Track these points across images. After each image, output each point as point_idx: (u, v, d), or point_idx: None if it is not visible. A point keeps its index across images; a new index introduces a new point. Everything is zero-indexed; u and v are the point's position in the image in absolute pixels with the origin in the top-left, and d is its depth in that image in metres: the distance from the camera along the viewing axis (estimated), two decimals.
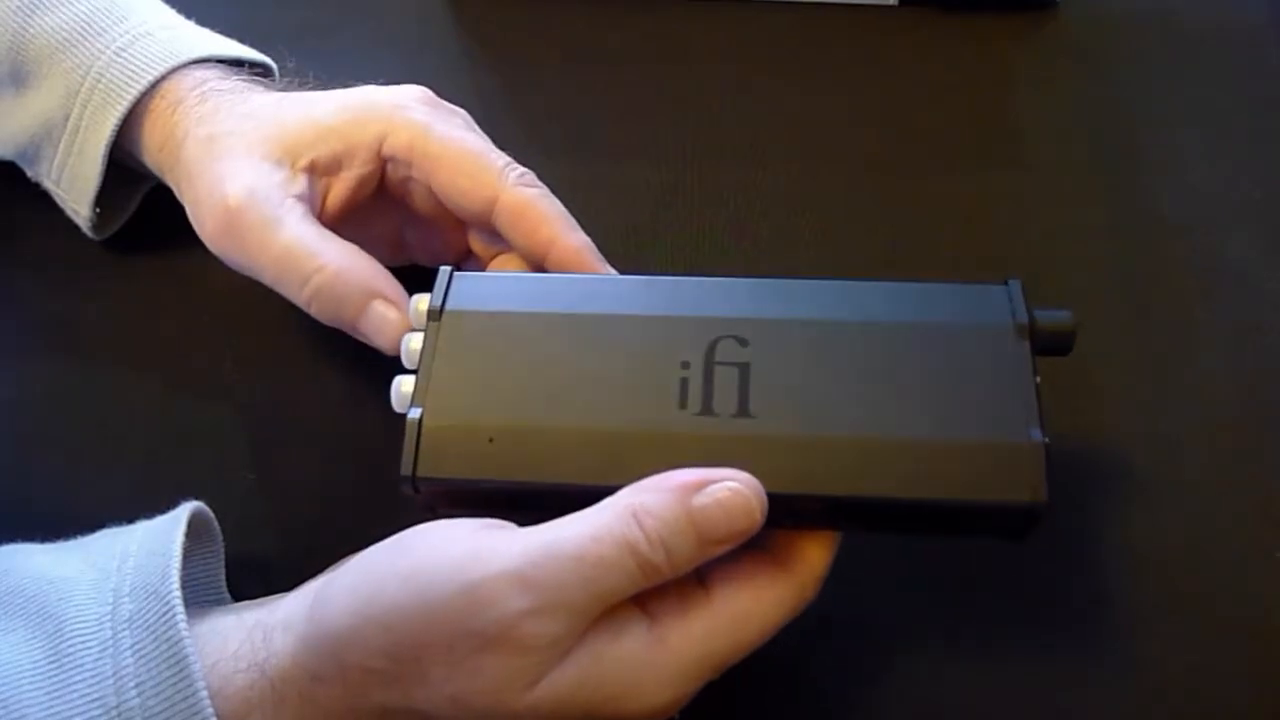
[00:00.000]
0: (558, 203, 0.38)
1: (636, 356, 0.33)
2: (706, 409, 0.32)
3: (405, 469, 0.32)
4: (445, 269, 0.35)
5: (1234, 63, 0.49)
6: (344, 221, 0.39)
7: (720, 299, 0.34)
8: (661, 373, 0.32)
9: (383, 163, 0.39)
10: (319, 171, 0.39)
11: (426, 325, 0.34)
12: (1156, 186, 0.46)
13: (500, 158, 0.38)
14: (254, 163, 0.38)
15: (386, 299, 0.36)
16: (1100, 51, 0.50)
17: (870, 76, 0.50)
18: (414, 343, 0.34)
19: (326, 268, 0.36)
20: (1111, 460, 0.39)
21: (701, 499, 0.29)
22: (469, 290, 0.35)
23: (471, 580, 0.28)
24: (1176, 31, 0.50)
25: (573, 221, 0.38)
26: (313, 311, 0.37)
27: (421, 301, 0.35)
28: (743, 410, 0.31)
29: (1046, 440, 0.30)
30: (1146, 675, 0.35)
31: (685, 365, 0.32)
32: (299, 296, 0.37)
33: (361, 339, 0.37)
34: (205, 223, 0.39)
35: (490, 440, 0.32)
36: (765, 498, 0.29)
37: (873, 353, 0.32)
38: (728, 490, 0.29)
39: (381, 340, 0.36)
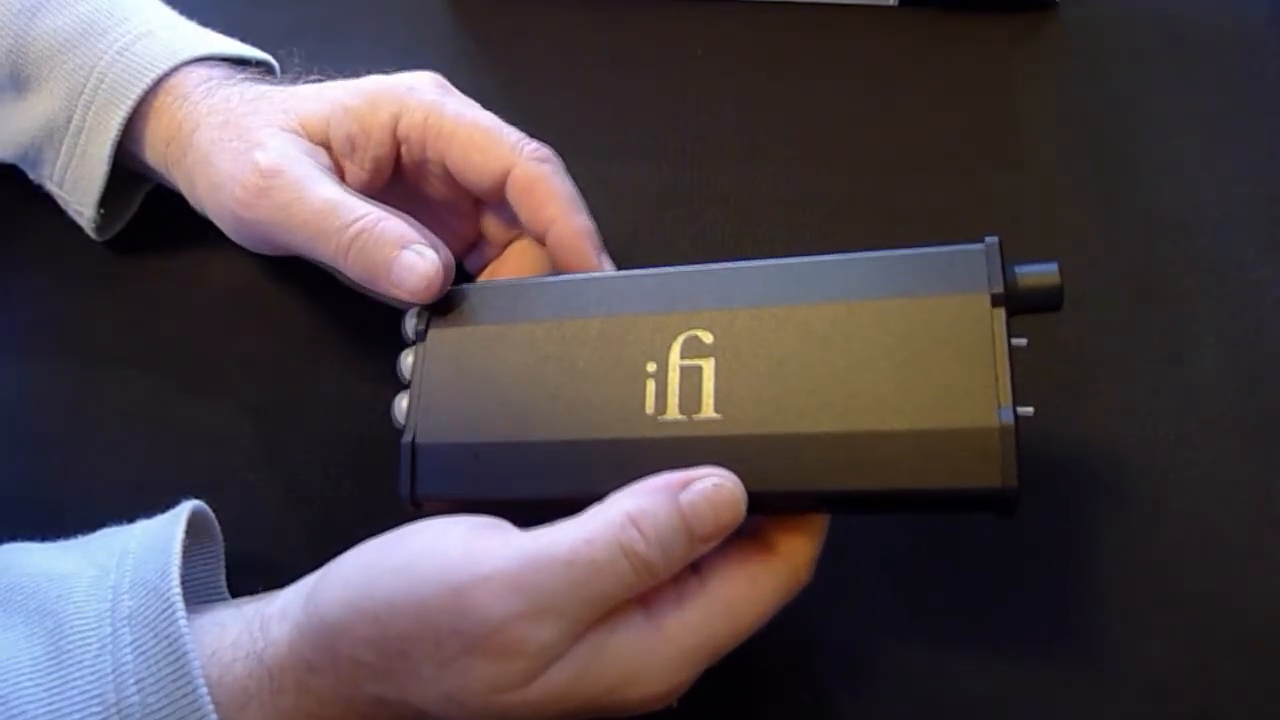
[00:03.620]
0: (568, 182, 0.38)
1: (605, 363, 0.33)
2: (674, 411, 0.32)
3: (403, 489, 0.34)
4: None
5: (1234, 63, 0.49)
6: None
7: (684, 292, 0.34)
8: (629, 378, 0.33)
9: (397, 146, 0.39)
10: (335, 154, 0.39)
11: (414, 345, 0.36)
12: (1156, 186, 0.46)
13: (513, 133, 0.39)
14: (277, 133, 0.39)
15: (420, 245, 0.36)
16: (1100, 51, 0.50)
17: (870, 76, 0.50)
18: (409, 358, 0.36)
19: (368, 216, 0.36)
20: (1111, 460, 0.39)
21: (689, 496, 0.29)
22: (450, 306, 0.36)
23: (461, 581, 0.28)
24: (1176, 31, 0.50)
25: (579, 203, 0.38)
26: (348, 261, 0.36)
27: (410, 319, 0.36)
28: (710, 410, 0.31)
29: (1016, 419, 0.29)
30: (1146, 675, 0.35)
31: (652, 367, 0.33)
32: (338, 244, 0.36)
33: (388, 290, 0.36)
34: (233, 191, 0.38)
35: (476, 457, 0.33)
36: (744, 491, 0.30)
37: (839, 337, 0.31)
38: (712, 485, 0.30)
39: (414, 281, 0.35)
